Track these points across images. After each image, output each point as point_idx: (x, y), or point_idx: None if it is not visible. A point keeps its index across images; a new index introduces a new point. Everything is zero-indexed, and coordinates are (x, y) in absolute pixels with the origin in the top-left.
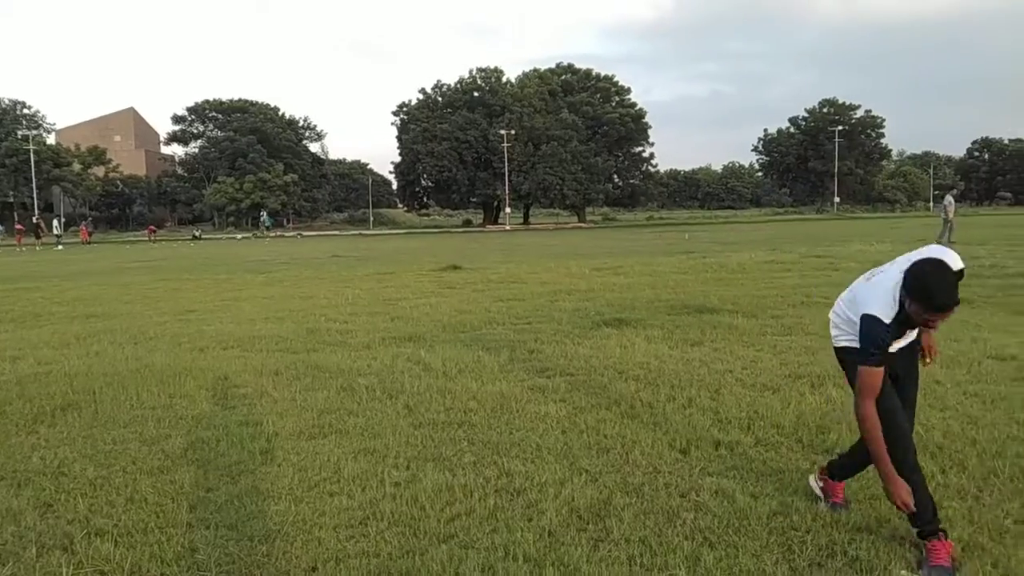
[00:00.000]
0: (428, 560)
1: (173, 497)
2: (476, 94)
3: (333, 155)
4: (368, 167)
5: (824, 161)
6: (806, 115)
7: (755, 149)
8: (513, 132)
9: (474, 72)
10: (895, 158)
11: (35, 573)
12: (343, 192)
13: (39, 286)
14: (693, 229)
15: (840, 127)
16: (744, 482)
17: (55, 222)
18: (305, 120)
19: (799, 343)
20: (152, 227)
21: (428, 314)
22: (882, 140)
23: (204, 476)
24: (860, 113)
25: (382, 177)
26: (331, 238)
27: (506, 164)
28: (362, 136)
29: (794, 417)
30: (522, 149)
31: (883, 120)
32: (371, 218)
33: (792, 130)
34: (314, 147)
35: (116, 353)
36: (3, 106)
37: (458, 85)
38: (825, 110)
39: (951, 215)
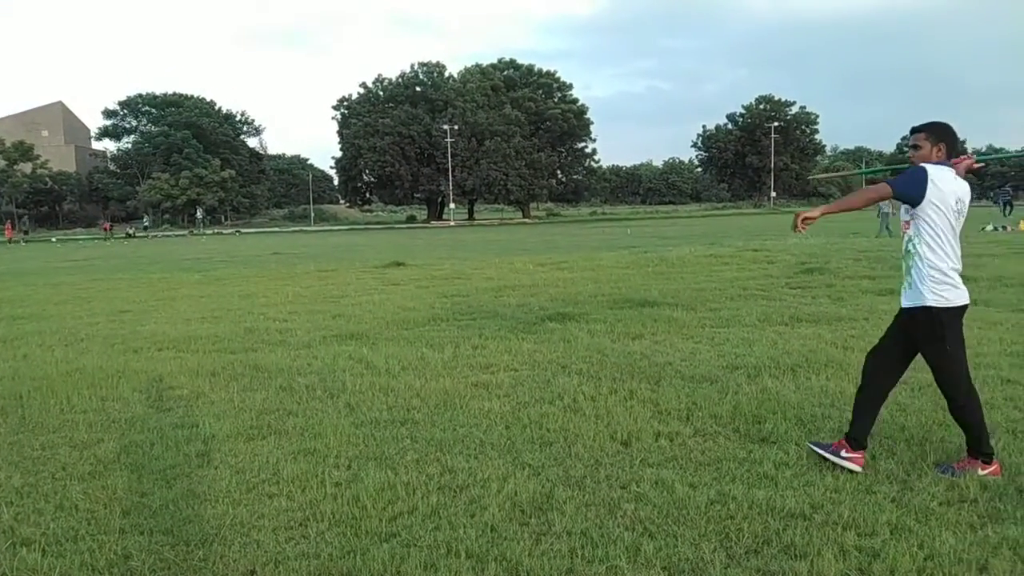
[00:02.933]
0: (370, 560)
1: (105, 503)
2: (418, 89)
3: (272, 150)
4: (308, 162)
5: (761, 157)
6: (743, 111)
7: (694, 145)
8: (456, 127)
9: (416, 66)
10: (828, 153)
11: None
12: (283, 188)
13: None
14: (635, 224)
15: (776, 123)
16: (683, 472)
17: None
18: (243, 115)
19: (736, 335)
20: (107, 224)
21: (371, 311)
22: (816, 136)
23: (138, 481)
24: (795, 109)
25: (323, 172)
26: (271, 235)
27: (449, 159)
28: (302, 131)
29: (731, 407)
30: (465, 144)
31: (817, 116)
32: (312, 214)
33: (730, 126)
34: (252, 142)
35: (45, 356)
36: None
37: (399, 79)
38: (762, 107)
39: (890, 208)
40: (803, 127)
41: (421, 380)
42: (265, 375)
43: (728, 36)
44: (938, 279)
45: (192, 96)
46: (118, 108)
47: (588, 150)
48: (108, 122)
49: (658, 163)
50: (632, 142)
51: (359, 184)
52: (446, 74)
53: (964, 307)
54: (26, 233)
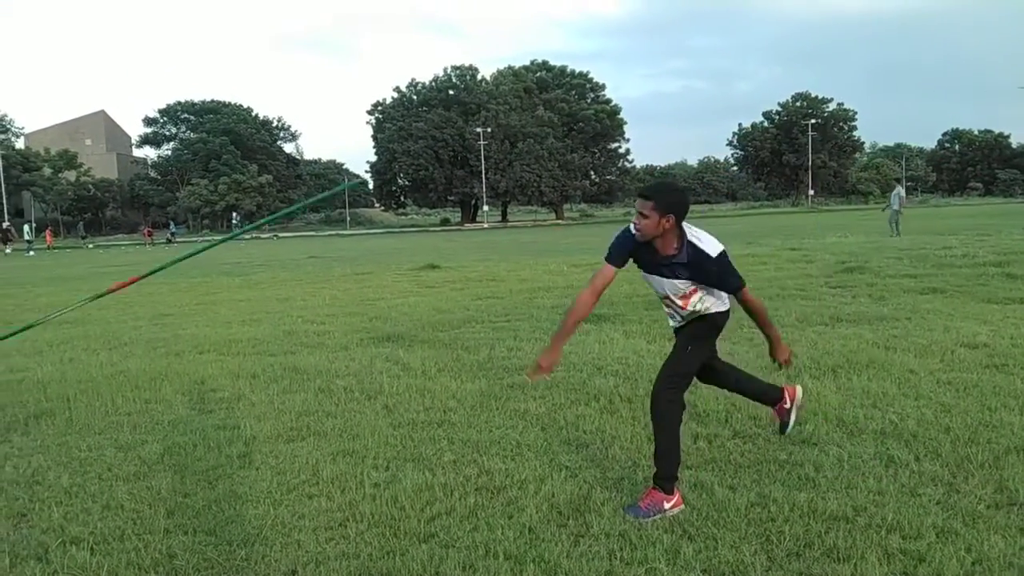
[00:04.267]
0: (408, 560)
1: (150, 503)
2: (451, 92)
3: (308, 155)
4: (344, 167)
5: (798, 155)
6: (779, 109)
7: (730, 144)
8: (489, 130)
9: (449, 70)
10: (868, 150)
11: None
12: (319, 192)
13: (11, 293)
14: None
15: (813, 120)
16: (722, 474)
17: (26, 227)
18: (279, 120)
19: None
20: (148, 229)
21: (406, 314)
22: (855, 133)
23: (181, 481)
24: (832, 106)
25: (358, 176)
26: (308, 239)
27: (483, 162)
28: (336, 136)
29: (771, 409)
30: (499, 147)
31: (855, 113)
32: (348, 218)
33: (766, 124)
34: (289, 147)
35: (90, 359)
36: None
37: (433, 83)
38: (798, 104)
39: (899, 207)
40: (841, 124)
41: (457, 382)
42: (304, 377)
43: (761, 34)
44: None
45: (229, 103)
46: (158, 116)
47: (622, 150)
48: (148, 130)
49: (693, 162)
50: (666, 142)
51: (394, 188)
52: (479, 77)
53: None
54: (84, 238)
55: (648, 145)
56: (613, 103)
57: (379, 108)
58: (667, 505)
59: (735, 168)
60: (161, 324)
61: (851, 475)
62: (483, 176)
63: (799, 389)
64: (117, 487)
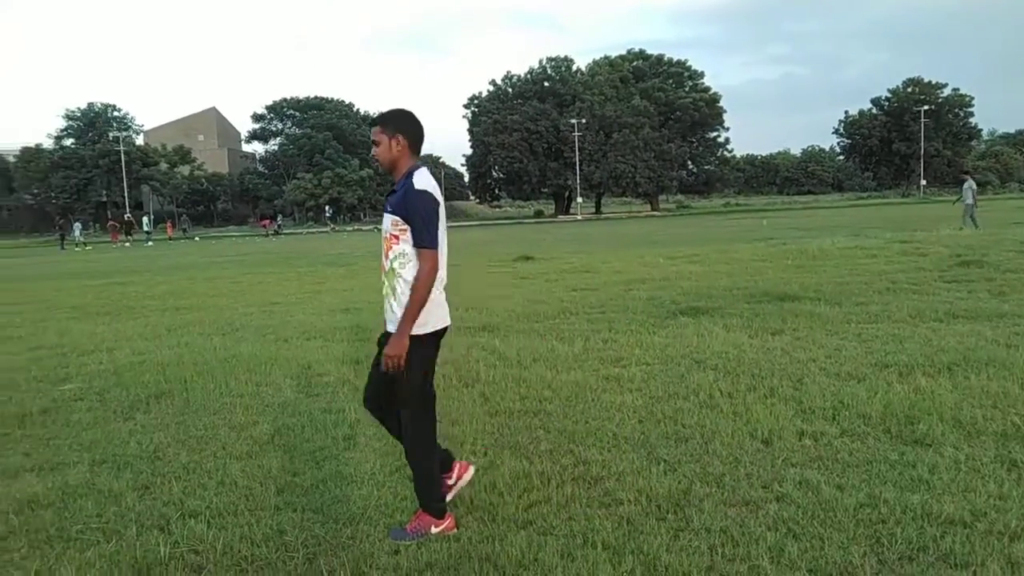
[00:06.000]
0: (508, 545)
1: (261, 481)
2: (546, 84)
3: None
4: (440, 160)
5: (909, 143)
6: (889, 95)
7: (836, 132)
8: (584, 121)
9: (544, 62)
10: (985, 138)
11: (136, 550)
12: None
13: (132, 280)
14: (771, 215)
15: (926, 107)
16: (829, 473)
17: (144, 219)
18: None
19: (885, 331)
20: (267, 220)
21: (501, 304)
22: (971, 119)
23: (290, 461)
24: (947, 92)
25: (454, 170)
26: None
27: (577, 153)
28: (433, 131)
29: (881, 407)
30: (593, 138)
31: (972, 99)
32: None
33: (875, 111)
34: None
35: (205, 344)
36: (96, 110)
37: (528, 76)
38: (910, 89)
39: (973, 200)
40: (956, 110)
41: (552, 372)
42: None
43: (866, 17)
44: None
45: (332, 99)
46: (265, 112)
47: (721, 139)
48: (256, 126)
49: (796, 151)
50: (767, 130)
51: (488, 180)
52: (574, 68)
53: (445, 330)
54: (185, 231)
55: (748, 134)
56: (712, 91)
57: (475, 102)
58: (434, 529)
59: (841, 157)
60: (270, 311)
61: (969, 478)
62: (577, 167)
63: (472, 469)
64: (231, 465)
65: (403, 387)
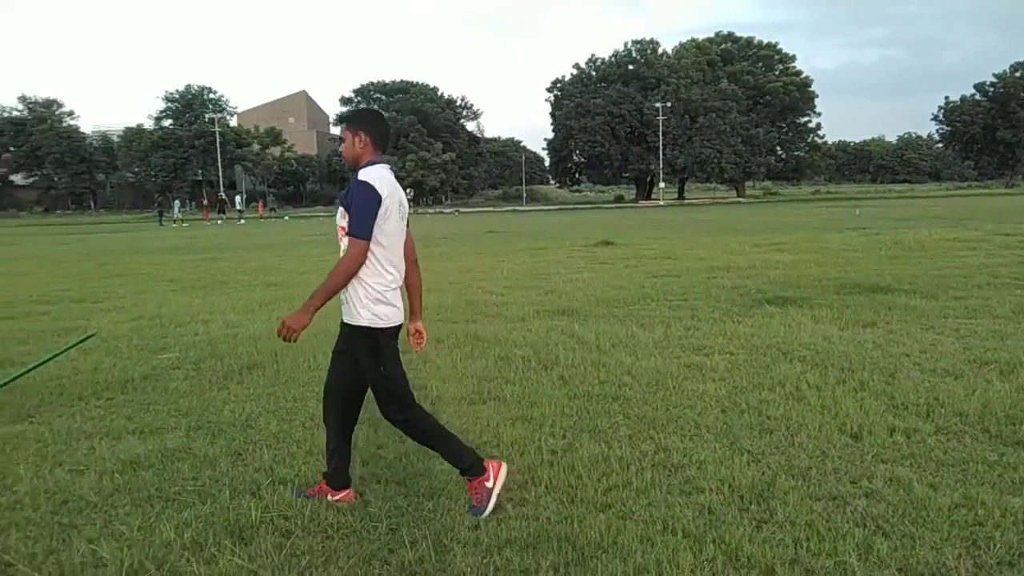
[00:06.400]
0: (587, 527)
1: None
2: (631, 67)
3: (488, 133)
4: (521, 144)
5: (1015, 131)
6: (994, 81)
7: (935, 118)
8: (669, 104)
9: (629, 44)
10: None
11: (229, 513)
12: (497, 169)
13: (224, 256)
14: (864, 204)
15: None
16: (922, 471)
17: (237, 198)
18: (463, 99)
19: (985, 327)
20: None
21: (580, 289)
22: None
23: (375, 434)
24: None
25: (535, 154)
26: (486, 214)
27: (660, 138)
28: (515, 114)
29: (979, 405)
30: (678, 122)
31: None
32: (524, 194)
33: (978, 97)
34: (470, 126)
35: None
36: (193, 92)
37: (612, 59)
38: (1018, 74)
39: None
40: None
41: (632, 358)
42: (484, 345)
43: None
44: (377, 299)
45: (417, 83)
46: (352, 96)
47: (812, 125)
48: (344, 109)
49: (891, 138)
50: (861, 116)
51: (569, 164)
52: (659, 51)
53: (399, 327)
54: (273, 211)
55: (841, 119)
56: (804, 75)
57: (558, 85)
58: (331, 497)
59: (940, 145)
60: None
61: None
62: (660, 152)
63: (505, 467)
64: (319, 435)
65: (382, 383)
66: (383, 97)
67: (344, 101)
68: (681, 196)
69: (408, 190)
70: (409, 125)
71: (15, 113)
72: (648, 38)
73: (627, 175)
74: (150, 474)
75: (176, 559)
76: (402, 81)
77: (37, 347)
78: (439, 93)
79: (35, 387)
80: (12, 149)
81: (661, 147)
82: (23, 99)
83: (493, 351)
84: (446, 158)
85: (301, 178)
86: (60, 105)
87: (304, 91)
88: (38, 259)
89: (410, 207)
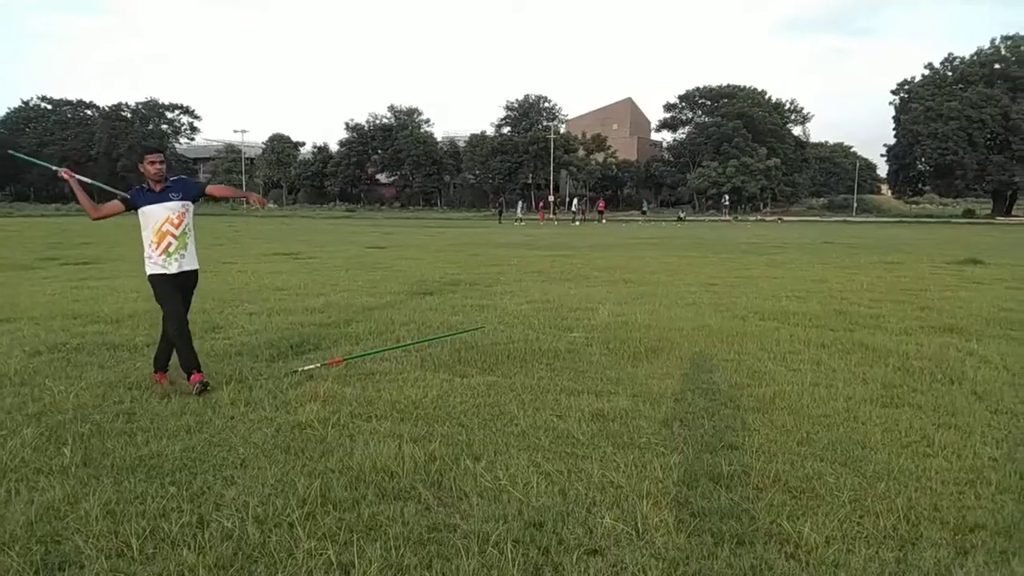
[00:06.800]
0: None
1: (784, 429)
2: (997, 66)
3: (814, 138)
4: (851, 149)
5: None
6: None
7: None
8: None
9: (997, 41)
10: None
11: (704, 464)
12: (823, 176)
13: (572, 255)
14: None
15: None
16: None
17: (575, 202)
18: (791, 103)
19: None
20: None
21: (961, 307)
22: None
23: (798, 423)
24: None
25: (865, 160)
26: (813, 224)
27: None
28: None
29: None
30: None
31: None
32: (855, 204)
33: None
34: (796, 130)
35: (671, 313)
36: (531, 101)
37: (974, 58)
38: None
39: None
40: None
41: None
42: (875, 354)
43: None
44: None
45: (744, 87)
46: (677, 102)
47: None
48: (667, 115)
49: None
50: None
51: (912, 173)
52: None
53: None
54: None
55: None
56: None
57: (905, 87)
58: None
59: None
60: (712, 291)
61: None
62: None
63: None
64: (747, 416)
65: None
66: (708, 102)
67: (668, 107)
68: None
69: (724, 196)
70: (733, 130)
71: (384, 120)
72: (1023, 33)
73: (981, 187)
74: (616, 425)
75: (661, 491)
76: (728, 85)
77: (465, 318)
78: (766, 97)
79: (488, 349)
80: (380, 152)
81: None
82: (391, 108)
83: (887, 360)
84: (770, 163)
85: (620, 183)
86: (420, 113)
87: (630, 98)
88: (417, 247)
89: (727, 213)
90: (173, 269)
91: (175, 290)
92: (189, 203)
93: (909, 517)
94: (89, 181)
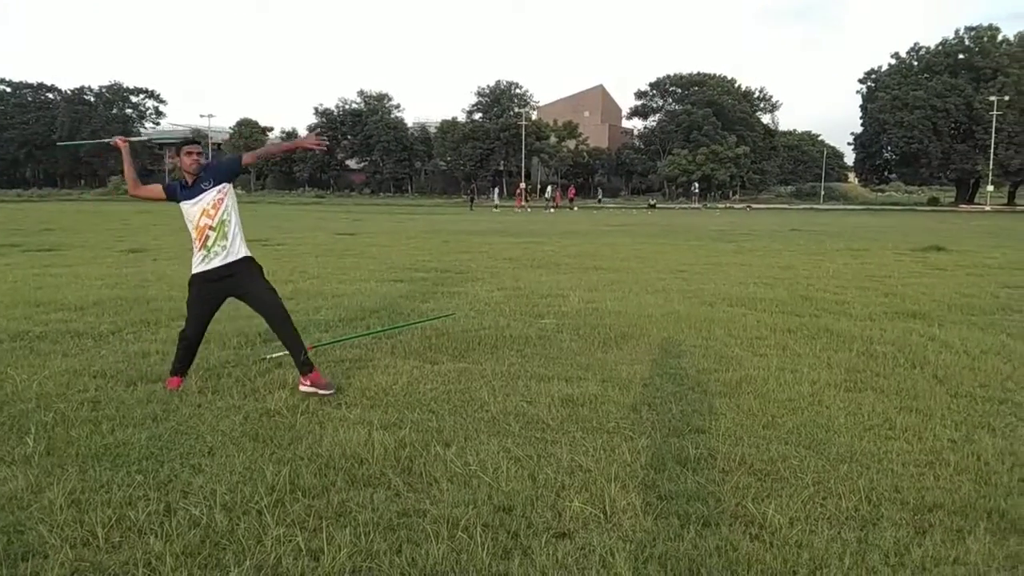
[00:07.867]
0: (1010, 507)
1: (750, 413)
2: (961, 56)
3: (783, 126)
4: (819, 138)
5: None
6: None
7: None
8: (1007, 98)
9: (961, 32)
10: None
11: (671, 448)
12: (791, 164)
13: (543, 242)
14: None
15: None
16: None
17: (549, 189)
18: (760, 91)
19: None
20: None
21: (924, 293)
22: None
23: (764, 407)
24: None
25: (832, 149)
26: (781, 212)
27: (992, 136)
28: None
29: None
30: (1016, 118)
31: None
32: (822, 192)
33: None
34: (765, 119)
35: (641, 300)
36: (502, 87)
37: (939, 47)
38: None
39: None
40: None
41: (1010, 366)
42: (840, 339)
43: None
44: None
45: (714, 75)
46: (648, 89)
47: None
48: (638, 102)
49: None
50: None
51: (878, 162)
52: (999, 38)
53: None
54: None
55: None
56: None
57: (872, 76)
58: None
59: None
60: (680, 278)
61: None
62: (991, 151)
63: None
64: (716, 401)
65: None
66: (678, 90)
67: (639, 95)
68: (1011, 201)
69: (694, 184)
70: (703, 118)
71: (354, 105)
72: (985, 24)
73: (946, 175)
74: (586, 410)
75: (629, 474)
76: (699, 73)
77: (436, 305)
78: (736, 85)
79: (459, 336)
80: (349, 137)
81: (993, 146)
82: (361, 93)
83: (852, 345)
84: (739, 151)
85: (591, 170)
86: (390, 98)
87: (601, 86)
88: (388, 234)
89: (697, 201)
90: (216, 263)
91: (206, 300)
92: (225, 185)
93: (870, 498)
94: (144, 139)
